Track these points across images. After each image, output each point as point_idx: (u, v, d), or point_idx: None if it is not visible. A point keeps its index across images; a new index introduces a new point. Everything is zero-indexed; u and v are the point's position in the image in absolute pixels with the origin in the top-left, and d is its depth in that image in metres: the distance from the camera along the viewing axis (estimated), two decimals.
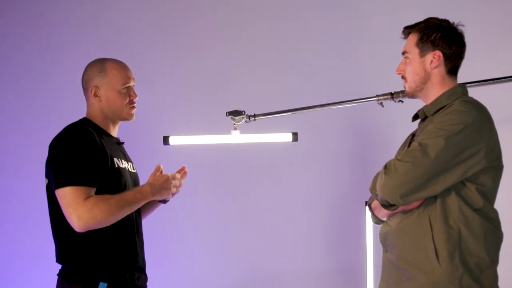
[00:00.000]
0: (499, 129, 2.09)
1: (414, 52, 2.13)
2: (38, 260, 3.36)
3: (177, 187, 2.35)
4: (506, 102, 3.31)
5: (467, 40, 2.18)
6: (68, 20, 3.54)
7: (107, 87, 2.30)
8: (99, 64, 2.33)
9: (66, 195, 2.08)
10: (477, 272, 1.99)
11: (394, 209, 2.05)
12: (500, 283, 2.07)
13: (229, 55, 3.51)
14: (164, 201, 2.47)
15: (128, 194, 2.19)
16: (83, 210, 2.06)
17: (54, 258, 2.24)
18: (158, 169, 2.31)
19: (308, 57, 3.49)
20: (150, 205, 2.48)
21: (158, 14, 3.55)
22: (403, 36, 2.21)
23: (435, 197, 2.00)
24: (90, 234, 2.13)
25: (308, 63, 3.49)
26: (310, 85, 3.45)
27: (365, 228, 3.04)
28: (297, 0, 3.54)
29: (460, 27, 2.14)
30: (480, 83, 2.73)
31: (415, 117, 2.23)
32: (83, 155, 2.12)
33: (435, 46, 2.10)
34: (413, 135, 2.21)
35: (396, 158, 2.02)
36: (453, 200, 1.99)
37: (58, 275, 2.21)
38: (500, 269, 2.08)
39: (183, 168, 2.45)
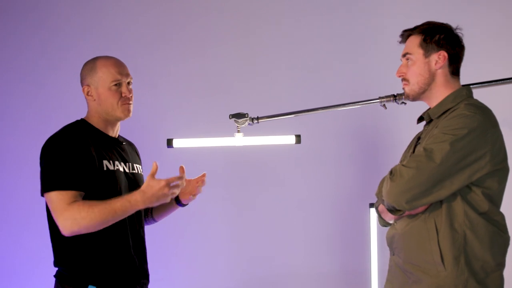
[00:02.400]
0: (504, 131, 2.08)
1: (418, 53, 2.13)
2: (40, 261, 3.36)
3: (177, 192, 2.20)
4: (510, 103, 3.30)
5: (473, 41, 2.18)
6: (71, 22, 3.55)
7: (97, 85, 2.26)
8: (91, 63, 2.30)
9: (52, 200, 2.09)
10: (483, 275, 1.99)
11: (401, 214, 2.06)
12: (507, 287, 2.06)
13: (232, 58, 3.51)
14: (182, 204, 2.48)
15: (115, 202, 2.11)
16: (66, 216, 2.06)
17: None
18: (154, 171, 2.15)
19: (311, 59, 3.49)
20: (165, 207, 2.46)
21: (161, 16, 3.55)
22: (400, 40, 2.20)
23: (440, 202, 2.01)
24: (81, 238, 2.13)
25: (311, 65, 3.48)
26: (313, 87, 3.45)
27: (370, 230, 3.03)
28: (300, 2, 3.54)
29: (458, 31, 2.15)
30: (485, 84, 2.71)
31: (420, 119, 2.23)
32: (69, 159, 2.11)
33: (439, 46, 2.11)
34: (418, 138, 2.20)
35: (402, 164, 2.02)
36: (458, 204, 2.00)
37: (54, 276, 2.23)
38: (507, 272, 2.07)
39: (203, 175, 2.44)
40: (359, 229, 3.27)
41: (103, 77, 2.25)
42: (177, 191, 2.18)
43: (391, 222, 2.18)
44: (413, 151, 2.12)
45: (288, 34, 3.51)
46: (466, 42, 2.16)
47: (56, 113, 3.46)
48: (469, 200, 2.00)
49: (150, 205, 2.15)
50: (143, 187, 2.13)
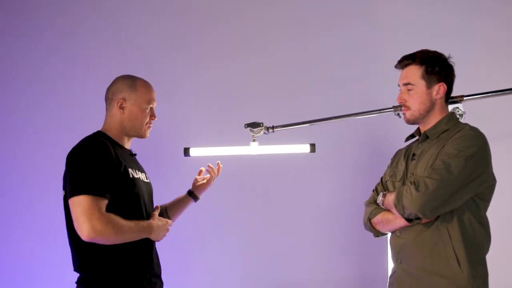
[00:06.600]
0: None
1: (421, 84, 2.31)
2: (53, 268, 3.40)
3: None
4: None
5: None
6: (83, 29, 3.58)
7: (134, 102, 2.36)
8: (130, 80, 2.40)
9: (81, 203, 2.11)
10: (484, 276, 2.22)
11: (417, 223, 2.21)
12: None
13: (247, 67, 3.53)
14: (196, 198, 2.69)
15: (142, 224, 2.25)
16: (97, 222, 2.10)
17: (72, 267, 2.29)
18: (157, 211, 2.42)
19: (326, 68, 3.50)
20: (182, 204, 2.66)
21: (178, 25, 3.58)
22: (398, 66, 2.36)
23: (451, 211, 2.19)
24: None
25: (326, 75, 3.50)
26: (328, 97, 3.46)
27: (387, 237, 3.03)
28: (314, 11, 3.55)
29: (450, 60, 2.33)
30: (483, 95, 2.77)
31: (410, 137, 2.45)
32: (100, 166, 2.17)
33: (440, 78, 2.30)
34: (413, 154, 2.36)
35: (425, 176, 2.18)
36: (465, 213, 2.21)
37: (76, 283, 2.26)
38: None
39: (217, 165, 2.77)
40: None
41: (142, 97, 2.38)
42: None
43: (386, 232, 2.39)
44: (406, 167, 2.33)
45: (303, 44, 3.53)
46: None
47: (65, 116, 3.49)
48: (472, 209, 2.22)
49: (152, 237, 2.33)
50: (157, 220, 2.34)
